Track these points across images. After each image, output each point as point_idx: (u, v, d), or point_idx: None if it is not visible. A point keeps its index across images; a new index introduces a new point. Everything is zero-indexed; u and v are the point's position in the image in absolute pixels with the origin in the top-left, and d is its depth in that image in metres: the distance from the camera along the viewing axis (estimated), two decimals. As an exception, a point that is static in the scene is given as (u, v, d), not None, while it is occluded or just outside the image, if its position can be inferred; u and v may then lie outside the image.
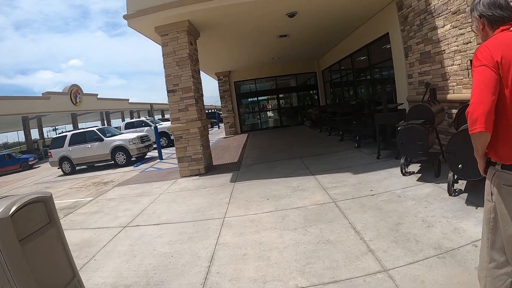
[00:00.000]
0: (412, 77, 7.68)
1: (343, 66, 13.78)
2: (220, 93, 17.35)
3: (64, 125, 39.61)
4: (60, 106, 26.61)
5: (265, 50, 12.78)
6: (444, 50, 6.16)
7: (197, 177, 7.52)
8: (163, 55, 7.85)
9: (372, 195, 4.42)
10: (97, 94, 33.81)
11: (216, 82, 17.61)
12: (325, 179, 5.70)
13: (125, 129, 17.87)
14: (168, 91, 7.89)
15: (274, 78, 17.36)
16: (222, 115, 17.48)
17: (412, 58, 7.76)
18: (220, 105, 18.72)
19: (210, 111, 50.93)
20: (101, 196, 7.02)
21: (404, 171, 5.14)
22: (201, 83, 8.50)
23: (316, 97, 17.70)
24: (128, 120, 29.39)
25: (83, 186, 8.94)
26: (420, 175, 5.04)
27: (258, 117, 18.16)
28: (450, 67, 6.03)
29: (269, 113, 20.21)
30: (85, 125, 26.96)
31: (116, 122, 38.81)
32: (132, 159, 12.47)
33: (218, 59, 13.64)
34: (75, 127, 28.75)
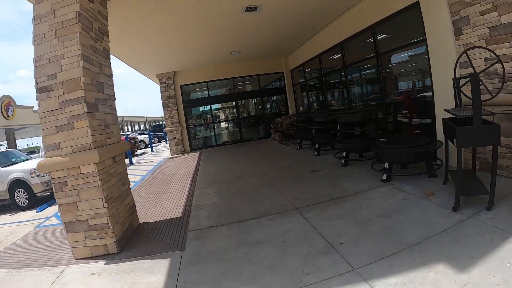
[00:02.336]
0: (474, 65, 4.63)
1: (326, 61, 10.65)
2: (162, 100, 13.28)
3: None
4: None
5: (220, 39, 9.17)
6: None
7: (101, 263, 3.64)
8: (34, 19, 3.96)
9: None
10: (33, 107, 27.96)
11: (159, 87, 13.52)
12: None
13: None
14: (38, 90, 3.90)
15: (232, 80, 13.75)
16: (166, 128, 13.40)
17: (471, 36, 4.80)
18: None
19: (157, 123, 45.92)
20: None
21: None
22: (110, 75, 4.57)
23: (284, 104, 14.40)
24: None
25: None
26: None
27: (212, 130, 14.31)
28: None
29: (226, 125, 16.49)
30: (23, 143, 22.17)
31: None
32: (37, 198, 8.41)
33: (154, 52, 9.70)
34: (11, 145, 24.08)
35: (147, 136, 22.49)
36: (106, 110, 4.24)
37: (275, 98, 15.44)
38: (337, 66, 9.73)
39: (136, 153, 20.03)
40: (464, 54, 3.94)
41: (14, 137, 26.79)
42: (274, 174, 6.67)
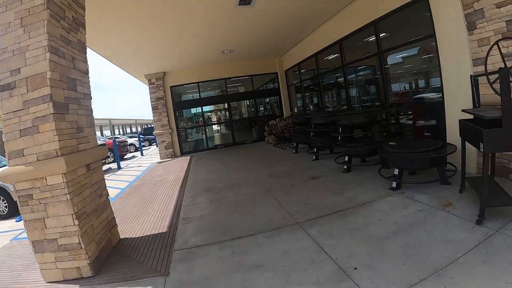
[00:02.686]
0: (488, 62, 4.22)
1: (323, 61, 10.22)
2: (151, 102, 12.68)
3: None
4: None
5: (211, 36, 8.66)
6: None
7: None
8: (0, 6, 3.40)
9: None
10: None
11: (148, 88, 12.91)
12: None
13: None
14: (0, 88, 3.34)
15: (224, 81, 13.22)
16: (155, 131, 12.79)
17: (486, 31, 4.41)
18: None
19: (148, 125, 45.05)
20: None
21: None
22: (85, 72, 4.00)
23: (278, 105, 13.92)
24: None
25: None
26: None
27: (204, 133, 13.73)
28: None
29: (218, 127, 15.93)
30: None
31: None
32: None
33: (136, 51, 9.13)
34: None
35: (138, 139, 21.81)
36: (79, 111, 3.68)
37: (268, 100, 14.96)
38: (335, 65, 9.30)
39: (125, 157, 19.36)
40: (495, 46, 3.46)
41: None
42: (270, 181, 6.15)
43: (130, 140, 23.61)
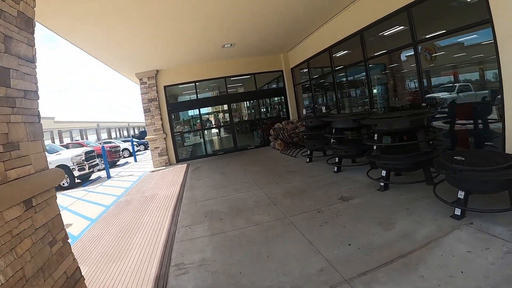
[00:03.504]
0: None
1: (339, 56, 9.00)
2: (143, 104, 11.39)
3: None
4: None
5: (209, 27, 7.42)
6: None
7: None
8: None
9: None
10: None
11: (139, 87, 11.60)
12: None
13: None
14: None
15: (224, 80, 11.94)
16: (148, 136, 11.48)
17: None
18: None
19: (143, 128, 43.63)
20: None
21: None
22: (29, 59, 2.70)
23: (284, 107, 12.65)
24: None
25: None
26: None
27: (202, 137, 12.43)
28: None
29: (218, 131, 14.65)
30: None
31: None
32: None
33: (126, 44, 7.85)
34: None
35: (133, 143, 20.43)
36: (12, 117, 2.39)
37: (273, 101, 13.70)
38: (354, 60, 8.06)
39: (118, 163, 18.06)
40: None
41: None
42: (287, 202, 4.88)
43: (124, 145, 22.27)
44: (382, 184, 4.79)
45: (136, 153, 21.85)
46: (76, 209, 7.28)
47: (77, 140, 38.28)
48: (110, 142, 22.82)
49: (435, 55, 5.93)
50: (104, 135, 48.29)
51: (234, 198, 5.57)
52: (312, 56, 10.15)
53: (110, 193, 8.69)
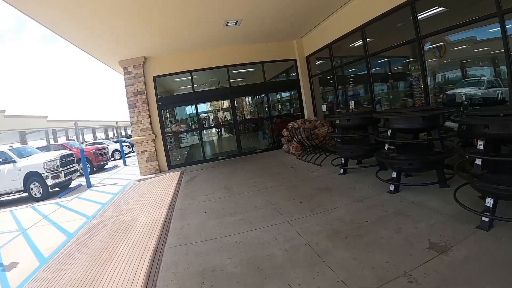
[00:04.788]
0: None
1: (376, 38, 7.03)
2: (127, 98, 9.34)
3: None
4: None
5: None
6: None
7: None
8: None
9: None
10: (5, 111, 24.56)
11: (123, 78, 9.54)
12: None
13: None
14: None
15: (227, 70, 9.88)
16: (133, 138, 9.42)
17: None
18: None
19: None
20: None
21: None
22: None
23: (298, 102, 10.58)
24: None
25: None
26: None
27: (199, 139, 10.35)
28: None
29: (218, 131, 12.61)
30: None
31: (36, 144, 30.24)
32: None
33: (103, 22, 5.83)
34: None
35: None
36: None
37: (284, 96, 11.65)
38: (401, 40, 6.07)
39: (106, 166, 16.06)
40: None
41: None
42: (344, 257, 2.85)
43: (114, 146, 20.16)
44: (485, 219, 2.81)
45: (128, 156, 19.83)
46: (35, 236, 5.45)
47: (73, 140, 36.28)
48: (101, 143, 20.72)
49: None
50: (101, 135, 46.08)
51: (248, 240, 3.50)
52: (335, 39, 8.14)
53: (82, 210, 6.79)
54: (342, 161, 5.85)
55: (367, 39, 7.08)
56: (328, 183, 5.27)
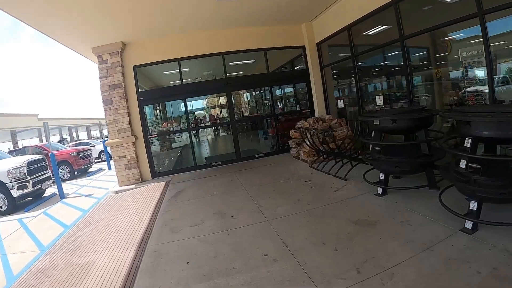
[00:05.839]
0: None
1: (414, 14, 5.44)
2: (102, 92, 7.69)
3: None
4: None
5: None
6: None
7: None
8: None
9: None
10: None
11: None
12: None
13: None
14: None
15: (222, 59, 8.22)
16: (109, 141, 7.78)
17: None
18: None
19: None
20: None
21: None
22: None
23: (307, 97, 8.93)
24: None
25: None
26: None
27: (189, 141, 8.66)
28: None
29: (212, 132, 10.99)
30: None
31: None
32: None
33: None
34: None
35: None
36: None
37: (290, 90, 10.01)
38: (454, 16, 4.50)
39: (90, 170, 14.46)
40: None
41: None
42: None
43: (101, 147, 18.29)
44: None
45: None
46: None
47: (66, 138, 34.32)
48: (88, 144, 18.97)
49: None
50: (83, 135, 43.99)
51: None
52: (357, 20, 6.54)
53: (40, 235, 5.40)
54: (381, 177, 4.27)
55: (402, 18, 5.50)
56: (367, 212, 3.68)
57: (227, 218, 4.15)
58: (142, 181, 7.76)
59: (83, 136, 41.66)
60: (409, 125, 3.98)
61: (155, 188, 6.83)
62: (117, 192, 7.47)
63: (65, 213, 6.77)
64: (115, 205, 6.21)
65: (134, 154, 7.65)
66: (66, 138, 35.83)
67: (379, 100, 6.36)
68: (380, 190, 4.27)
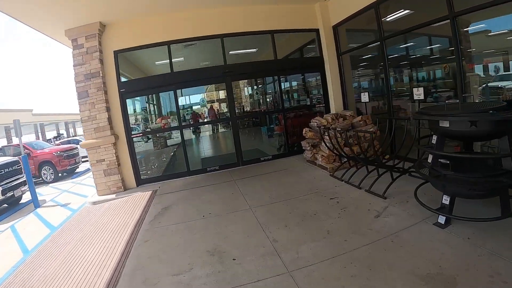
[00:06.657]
0: None
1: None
2: (76, 83, 6.36)
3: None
4: None
5: None
6: None
7: None
8: None
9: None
10: None
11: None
12: None
13: None
14: None
15: (221, 42, 6.86)
16: (85, 142, 6.45)
17: None
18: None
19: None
20: None
21: None
22: None
23: (322, 89, 7.59)
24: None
25: None
26: None
27: (180, 141, 7.21)
28: None
29: (208, 131, 9.68)
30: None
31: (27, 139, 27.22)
32: None
33: None
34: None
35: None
36: None
37: (299, 81, 8.66)
38: None
39: (77, 170, 13.23)
40: None
41: None
42: None
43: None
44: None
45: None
46: None
47: (62, 135, 32.80)
48: (78, 142, 17.54)
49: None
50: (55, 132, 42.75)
51: None
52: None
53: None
54: (444, 201, 2.98)
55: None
56: (435, 257, 2.40)
57: (226, 262, 2.85)
58: (125, 190, 6.47)
59: (81, 131, 40.32)
60: (492, 130, 2.69)
61: (138, 200, 5.54)
62: (94, 203, 6.21)
63: (30, 232, 5.52)
64: (86, 224, 4.94)
65: (115, 157, 6.33)
66: (63, 134, 34.52)
67: (418, 93, 5.03)
68: (442, 219, 3.00)
